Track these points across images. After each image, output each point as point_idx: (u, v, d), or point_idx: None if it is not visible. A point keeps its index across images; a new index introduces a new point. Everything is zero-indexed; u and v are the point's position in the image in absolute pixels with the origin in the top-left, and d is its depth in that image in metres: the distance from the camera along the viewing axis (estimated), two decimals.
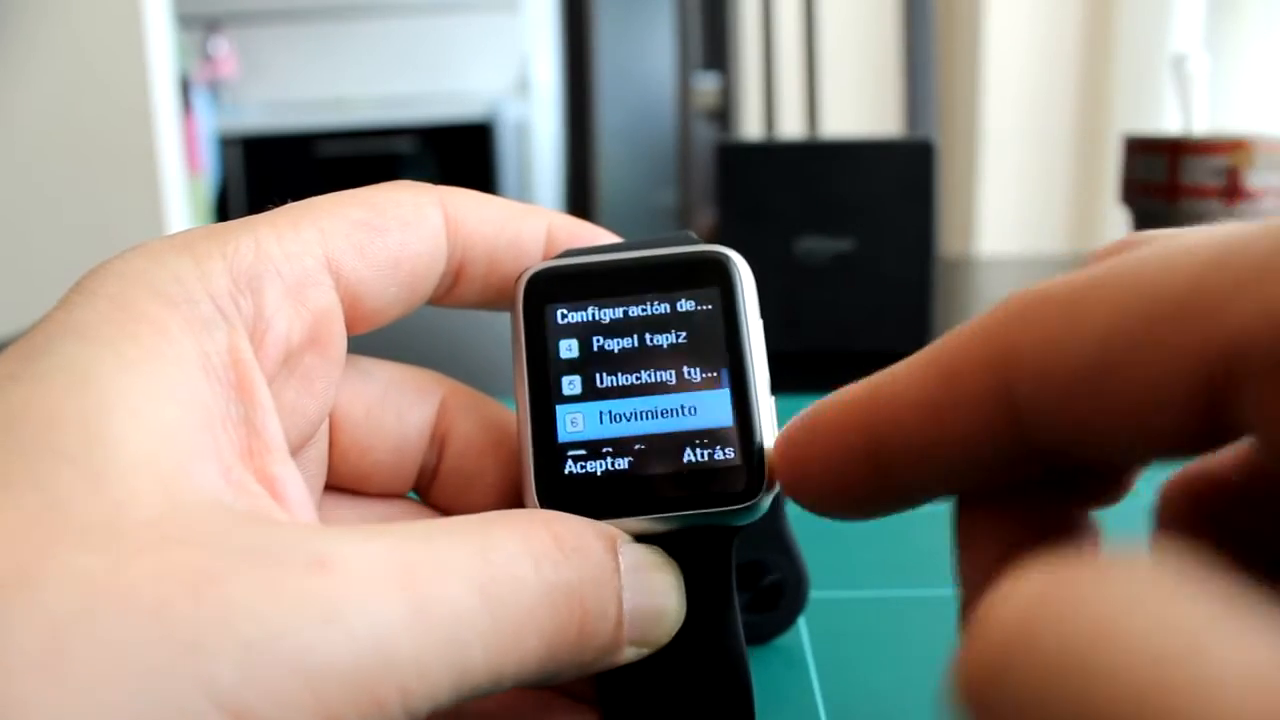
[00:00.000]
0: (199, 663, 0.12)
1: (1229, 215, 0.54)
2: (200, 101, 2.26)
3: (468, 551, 0.15)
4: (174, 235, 0.17)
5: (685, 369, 0.19)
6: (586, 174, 1.29)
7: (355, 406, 0.20)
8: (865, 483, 0.17)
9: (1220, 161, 0.54)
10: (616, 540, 0.17)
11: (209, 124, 2.29)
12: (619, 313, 0.19)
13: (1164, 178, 0.55)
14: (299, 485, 0.17)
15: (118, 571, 0.12)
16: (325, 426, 0.20)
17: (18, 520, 0.13)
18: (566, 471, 0.19)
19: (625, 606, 0.17)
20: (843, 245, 0.52)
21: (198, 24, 2.44)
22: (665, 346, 0.19)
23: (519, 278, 0.20)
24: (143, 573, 0.13)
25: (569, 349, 0.19)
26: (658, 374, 0.19)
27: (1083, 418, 0.14)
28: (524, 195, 2.43)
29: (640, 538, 0.18)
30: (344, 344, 0.19)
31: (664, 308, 0.19)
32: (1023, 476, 0.16)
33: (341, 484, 0.21)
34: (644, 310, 0.19)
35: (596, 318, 0.20)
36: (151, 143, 1.08)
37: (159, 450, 0.14)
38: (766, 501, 0.18)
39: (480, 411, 0.21)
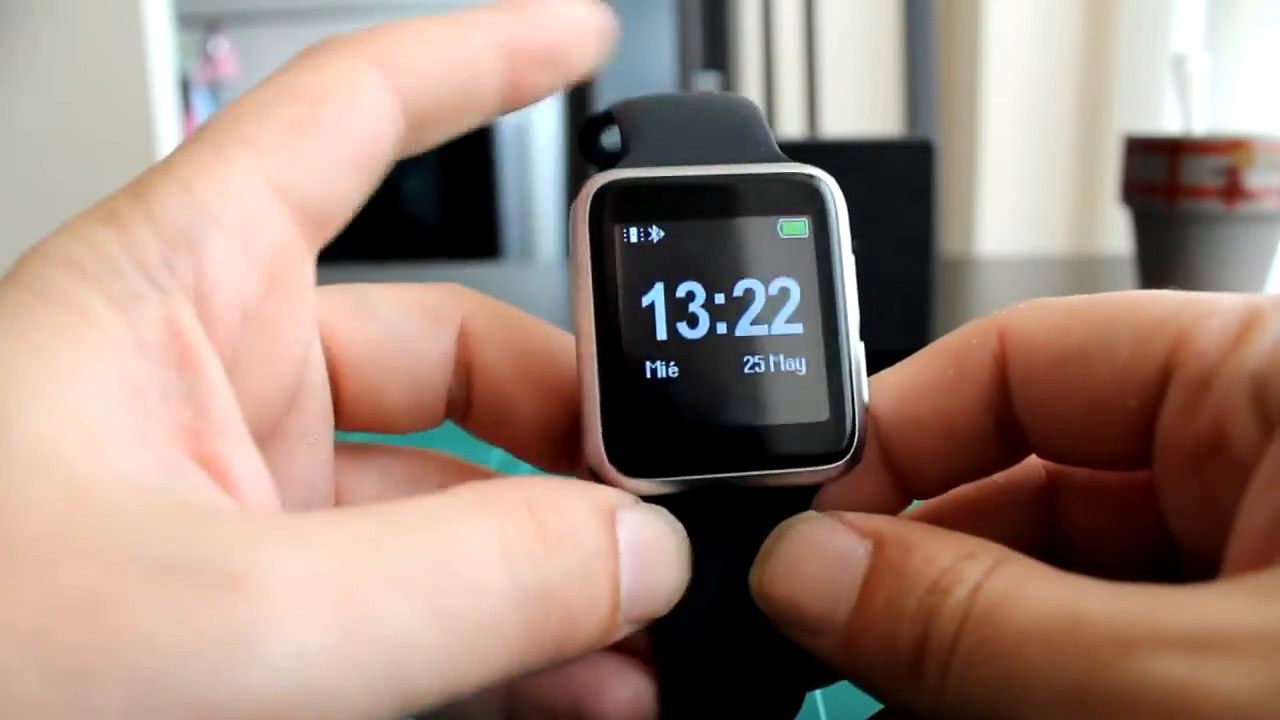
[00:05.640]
0: (81, 694, 0.11)
1: (1229, 215, 0.54)
2: (200, 101, 2.26)
3: (422, 556, 0.13)
4: (101, 202, 0.15)
5: (774, 312, 0.17)
6: (586, 174, 1.29)
7: (356, 347, 0.18)
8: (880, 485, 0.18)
9: (1220, 161, 0.53)
10: (615, 512, 0.16)
11: None
12: (699, 237, 0.17)
13: (1164, 178, 0.55)
14: (253, 466, 0.15)
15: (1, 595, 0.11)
16: (320, 372, 0.18)
17: None
18: (634, 424, 0.17)
19: (621, 591, 0.15)
20: None
21: (198, 24, 2.44)
22: (753, 284, 0.17)
23: (582, 191, 0.17)
24: (28, 596, 0.11)
25: (640, 279, 0.17)
26: (743, 315, 0.17)
27: (1056, 399, 0.16)
28: (524, 195, 2.43)
29: (714, 495, 0.17)
30: (309, 272, 0.17)
31: (751, 236, 0.17)
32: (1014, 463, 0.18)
33: (361, 426, 0.19)
34: (728, 237, 0.17)
35: (674, 243, 0.17)
36: (151, 143, 1.08)
37: (69, 440, 0.13)
38: (852, 458, 0.17)
39: (506, 335, 0.19)
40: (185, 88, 2.16)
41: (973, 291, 0.77)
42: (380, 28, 0.17)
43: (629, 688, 0.18)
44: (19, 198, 1.07)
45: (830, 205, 0.18)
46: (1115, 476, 0.18)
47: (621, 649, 0.18)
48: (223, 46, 2.51)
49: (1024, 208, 1.47)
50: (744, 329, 0.17)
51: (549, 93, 0.18)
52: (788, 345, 0.17)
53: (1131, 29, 1.36)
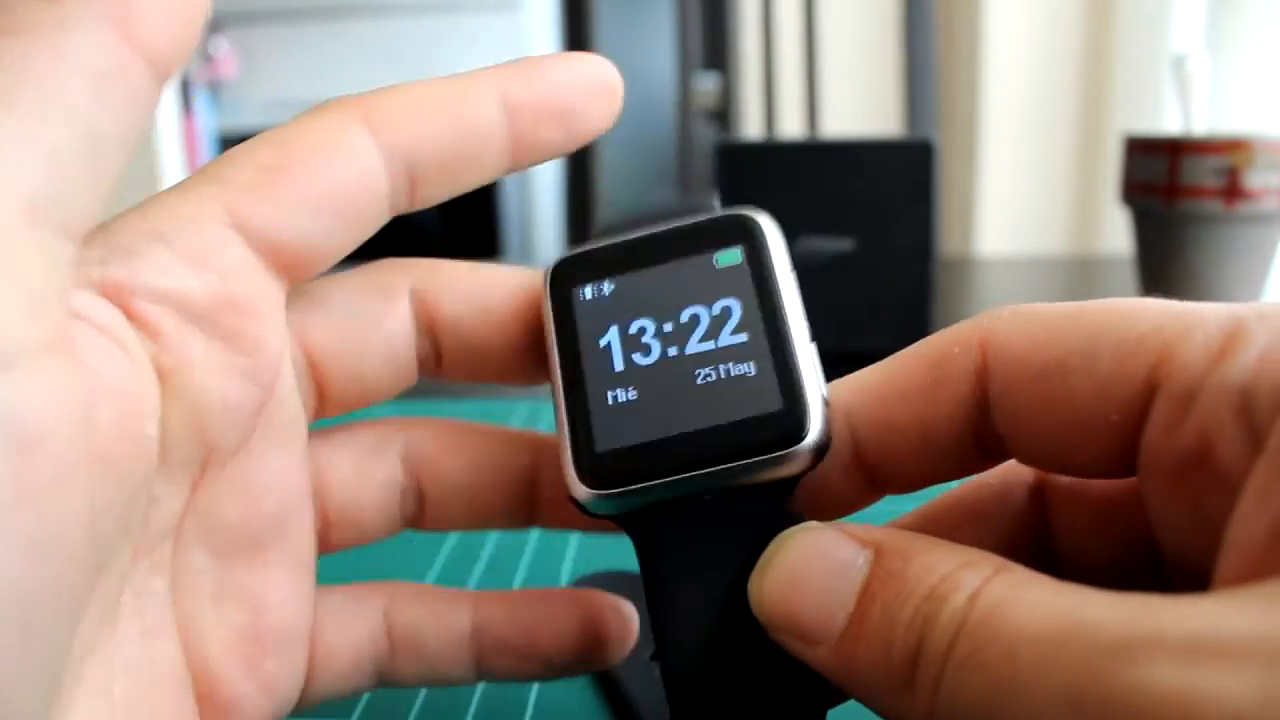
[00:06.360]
0: None
1: (1229, 215, 0.54)
2: (200, 101, 2.26)
3: None
4: None
5: (719, 328, 0.18)
6: (586, 174, 1.29)
7: (323, 341, 0.19)
8: (852, 482, 0.18)
9: (1220, 161, 0.53)
10: None
11: (209, 124, 2.29)
12: (645, 283, 0.19)
13: (1164, 178, 0.55)
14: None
15: None
16: (289, 384, 0.19)
17: None
18: (602, 447, 0.18)
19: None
20: (843, 245, 0.52)
21: None
22: (697, 309, 0.19)
23: (545, 271, 0.20)
24: None
25: (598, 326, 0.19)
26: (691, 337, 0.18)
27: (1036, 412, 0.16)
28: (523, 194, 2.43)
29: (692, 504, 0.17)
30: (275, 298, 0.18)
31: (691, 272, 0.19)
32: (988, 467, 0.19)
33: (349, 409, 0.21)
34: (670, 278, 0.19)
35: (623, 292, 0.19)
36: (151, 143, 1.08)
37: None
38: (814, 446, 0.17)
39: (456, 282, 0.21)
40: (185, 88, 2.16)
41: (973, 292, 0.77)
42: (377, 89, 0.18)
43: (575, 616, 0.21)
44: None
45: (762, 233, 0.19)
46: (1099, 486, 0.18)
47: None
48: (223, 46, 2.51)
49: (1024, 208, 1.47)
50: (693, 347, 0.18)
51: (560, 150, 0.19)
52: (735, 353, 0.18)
53: (1131, 29, 1.36)
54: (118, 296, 0.16)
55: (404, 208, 0.19)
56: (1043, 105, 1.45)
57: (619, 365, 0.18)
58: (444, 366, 0.21)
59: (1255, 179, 0.53)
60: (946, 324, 0.18)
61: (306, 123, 0.18)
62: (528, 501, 0.22)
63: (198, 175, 0.17)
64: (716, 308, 0.18)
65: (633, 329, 0.19)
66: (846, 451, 0.18)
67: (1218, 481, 0.14)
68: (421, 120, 0.18)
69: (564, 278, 0.20)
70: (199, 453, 0.17)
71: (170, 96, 1.09)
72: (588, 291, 0.19)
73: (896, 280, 0.52)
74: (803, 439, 0.17)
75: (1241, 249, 0.55)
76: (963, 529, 0.19)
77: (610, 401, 0.18)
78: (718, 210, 0.20)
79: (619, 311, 0.19)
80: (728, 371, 0.18)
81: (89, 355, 0.14)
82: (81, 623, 0.15)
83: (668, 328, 0.18)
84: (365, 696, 0.26)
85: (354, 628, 0.21)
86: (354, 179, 0.17)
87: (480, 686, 0.26)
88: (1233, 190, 0.53)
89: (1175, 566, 0.16)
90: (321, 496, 0.21)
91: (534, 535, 0.35)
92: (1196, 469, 0.14)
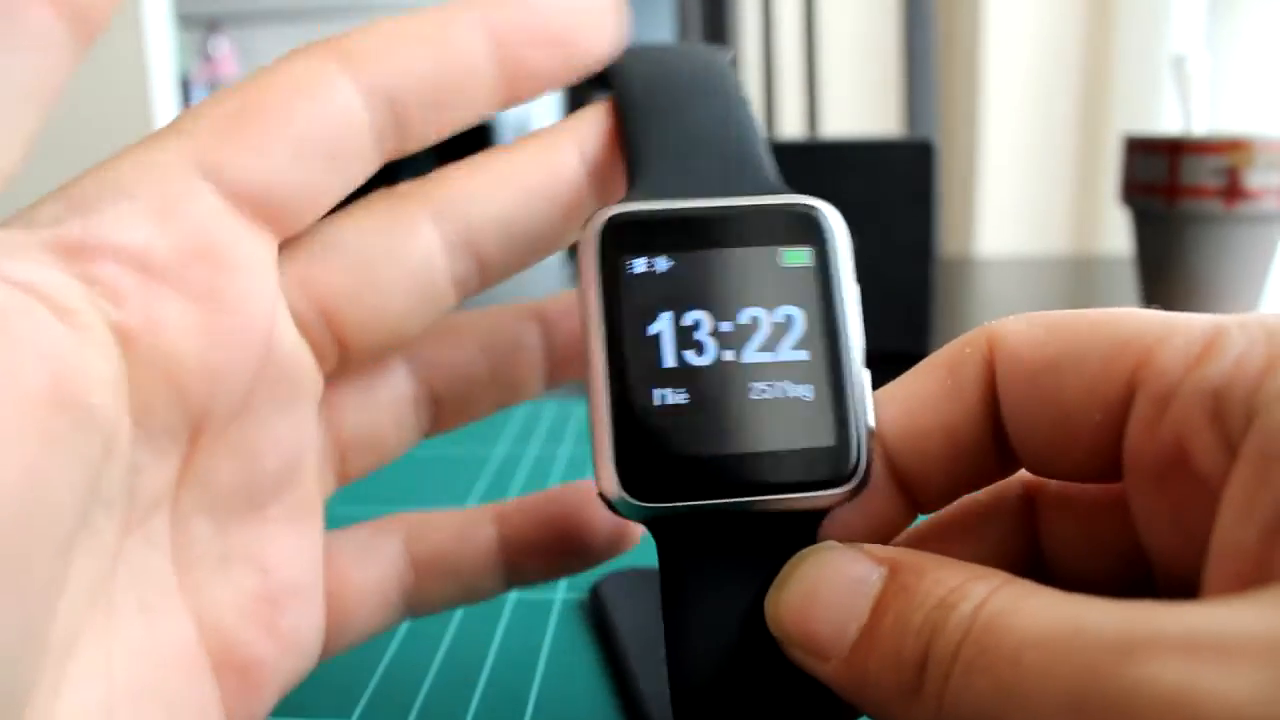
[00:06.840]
0: None
1: (1229, 215, 0.54)
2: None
3: None
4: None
5: (780, 339, 0.17)
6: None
7: (333, 288, 0.18)
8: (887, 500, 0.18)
9: (1220, 161, 0.54)
10: None
11: None
12: (703, 267, 0.17)
13: (1164, 178, 0.55)
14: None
15: None
16: (291, 339, 0.18)
17: None
18: (645, 449, 0.17)
19: None
20: None
21: (198, 24, 2.44)
22: (758, 312, 0.17)
23: (589, 224, 0.18)
24: None
25: (647, 309, 0.17)
26: (749, 343, 0.17)
27: (1032, 411, 0.17)
28: None
29: (723, 520, 0.17)
30: (258, 251, 0.16)
31: (754, 266, 0.18)
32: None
33: (382, 351, 0.20)
34: (731, 267, 0.17)
35: (678, 273, 0.17)
36: None
37: None
38: (859, 481, 0.17)
39: (492, 188, 0.19)
40: (185, 88, 2.16)
41: (973, 292, 0.77)
42: (356, 27, 0.17)
43: (597, 506, 0.21)
44: (17, 198, 1.07)
45: (831, 235, 0.18)
46: (1087, 494, 0.18)
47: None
48: (223, 46, 2.51)
49: (1024, 208, 1.47)
50: (750, 356, 0.17)
51: (558, 80, 0.18)
52: (794, 371, 0.17)
53: (1131, 29, 1.36)
54: (71, 256, 0.15)
55: (395, 150, 0.18)
56: (1043, 105, 1.45)
57: (670, 361, 0.17)
58: (488, 276, 0.20)
59: (1255, 179, 0.53)
60: (947, 324, 0.18)
61: (276, 67, 0.17)
62: (546, 369, 0.22)
63: (164, 128, 0.16)
64: (779, 314, 0.17)
65: (687, 320, 0.17)
66: (882, 466, 0.18)
67: (1195, 484, 0.14)
68: (400, 54, 0.17)
69: (615, 241, 0.18)
70: (185, 419, 0.16)
71: (170, 96, 1.08)
72: (639, 264, 0.17)
73: (896, 280, 0.52)
74: (852, 478, 0.17)
75: (1241, 249, 0.55)
76: (954, 546, 0.19)
77: (658, 401, 0.17)
78: (788, 198, 0.18)
79: (672, 296, 0.17)
80: (785, 391, 0.17)
81: (10, 321, 0.13)
82: (62, 603, 0.14)
83: (725, 327, 0.17)
84: (366, 696, 0.26)
85: (377, 565, 0.21)
86: (330, 118, 0.17)
87: (481, 685, 0.26)
88: (1233, 190, 0.53)
89: (1163, 578, 0.16)
90: (334, 432, 0.20)
91: None
92: (1174, 471, 0.15)
